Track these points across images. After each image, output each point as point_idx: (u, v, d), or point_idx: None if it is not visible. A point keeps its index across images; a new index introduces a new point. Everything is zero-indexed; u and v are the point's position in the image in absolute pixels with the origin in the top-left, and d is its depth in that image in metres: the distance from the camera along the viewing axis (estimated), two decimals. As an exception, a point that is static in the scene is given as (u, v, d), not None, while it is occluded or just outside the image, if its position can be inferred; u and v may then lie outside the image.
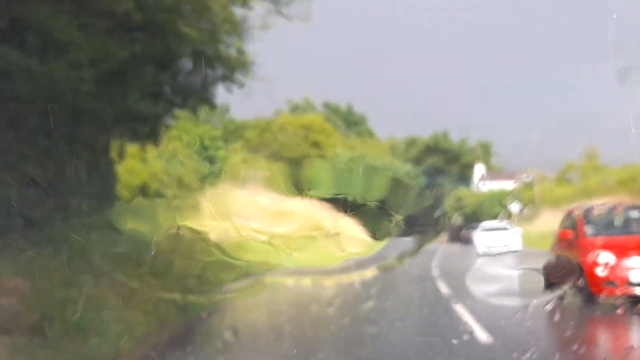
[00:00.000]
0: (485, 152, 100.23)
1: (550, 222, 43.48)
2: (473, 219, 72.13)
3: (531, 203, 56.63)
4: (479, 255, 32.61)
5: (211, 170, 34.61)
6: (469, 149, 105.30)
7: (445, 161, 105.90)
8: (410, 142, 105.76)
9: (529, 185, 63.08)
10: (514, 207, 52.82)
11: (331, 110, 70.35)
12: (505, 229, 34.28)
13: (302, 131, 40.75)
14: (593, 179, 45.37)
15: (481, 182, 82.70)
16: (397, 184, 47.91)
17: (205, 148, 37.11)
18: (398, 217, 17.96)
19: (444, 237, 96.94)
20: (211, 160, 37.01)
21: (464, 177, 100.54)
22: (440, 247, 55.88)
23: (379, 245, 44.88)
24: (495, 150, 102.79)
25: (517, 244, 32.77)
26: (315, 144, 40.63)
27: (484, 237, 32.81)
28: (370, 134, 61.85)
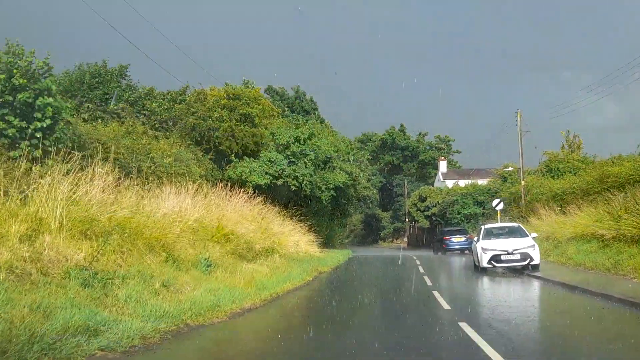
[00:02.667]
0: (446, 148, 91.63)
1: (548, 221, 34.24)
2: (441, 220, 62.74)
3: (516, 199, 47.49)
4: (479, 271, 22.40)
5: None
6: (428, 145, 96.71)
7: (402, 159, 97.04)
8: (365, 139, 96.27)
9: (511, 180, 53.69)
10: (497, 204, 43.29)
11: (276, 95, 59.35)
12: (519, 233, 24.10)
13: (228, 103, 29.69)
14: (590, 173, 36.56)
15: (444, 179, 73.58)
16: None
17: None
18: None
19: (401, 241, 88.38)
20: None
21: (424, 176, 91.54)
22: (406, 254, 46.51)
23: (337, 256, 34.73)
24: (455, 148, 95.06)
25: (536, 256, 22.65)
26: (246, 118, 29.69)
27: (489, 245, 22.43)
28: (322, 121, 51.13)
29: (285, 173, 29.68)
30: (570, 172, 46.71)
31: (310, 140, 31.01)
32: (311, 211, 32.94)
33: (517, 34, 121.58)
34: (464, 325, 9.68)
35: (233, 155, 29.61)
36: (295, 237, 26.25)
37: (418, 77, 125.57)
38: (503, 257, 21.97)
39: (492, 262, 21.89)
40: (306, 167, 30.23)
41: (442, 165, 76.53)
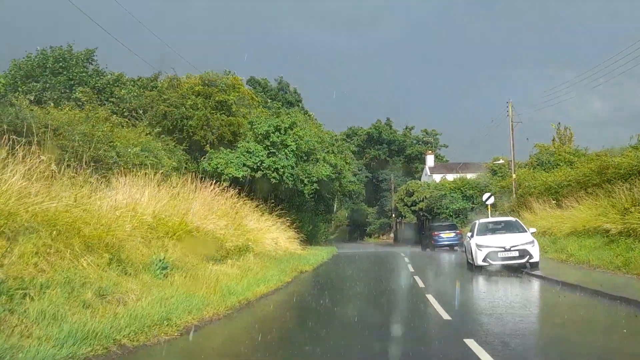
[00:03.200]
0: (433, 142, 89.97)
1: (543, 215, 32.50)
2: (429, 216, 60.92)
3: (507, 193, 45.87)
4: (474, 269, 20.50)
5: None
6: (414, 140, 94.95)
7: (389, 153, 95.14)
8: (351, 133, 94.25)
9: (501, 174, 51.99)
10: (487, 198, 41.62)
11: (259, 86, 57.05)
12: (516, 228, 22.14)
13: (203, 89, 27.49)
14: (587, 164, 35.18)
15: (431, 173, 71.83)
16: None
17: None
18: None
19: (387, 237, 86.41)
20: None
21: (410, 171, 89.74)
22: (393, 251, 44.61)
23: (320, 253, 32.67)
24: (442, 142, 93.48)
25: (536, 253, 20.73)
26: (223, 106, 27.52)
27: (484, 241, 20.57)
28: (306, 113, 49.01)
29: (264, 165, 27.58)
30: (562, 165, 45.31)
31: (292, 130, 28.89)
32: (293, 206, 30.87)
33: (503, 29, 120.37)
34: (471, 344, 7.70)
35: (208, 145, 27.46)
36: (275, 234, 24.18)
37: (403, 72, 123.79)
38: (500, 255, 20.11)
39: (488, 259, 20.01)
40: (287, 159, 28.14)
41: (430, 159, 74.71)
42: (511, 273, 19.54)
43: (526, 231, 21.42)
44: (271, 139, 27.94)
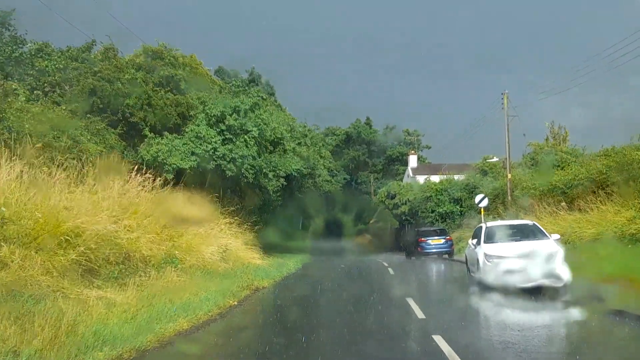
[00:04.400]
0: (416, 142, 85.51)
1: (550, 220, 27.96)
2: (412, 220, 56.05)
3: (500, 195, 41.22)
4: (481, 288, 15.49)
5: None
6: (395, 140, 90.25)
7: (368, 154, 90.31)
8: (329, 132, 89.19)
9: (493, 174, 47.31)
10: (481, 200, 36.99)
11: (228, 77, 51.54)
12: (536, 234, 17.03)
13: (145, 62, 22.17)
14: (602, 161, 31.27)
15: (414, 175, 67.14)
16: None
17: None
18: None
19: (362, 241, 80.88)
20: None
21: (391, 173, 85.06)
22: (373, 259, 39.47)
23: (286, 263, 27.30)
24: (424, 143, 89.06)
25: (564, 270, 15.54)
26: (169, 83, 22.28)
27: (496, 251, 15.57)
28: (279, 106, 43.81)
29: (218, 154, 22.29)
30: (557, 165, 41.03)
31: (254, 112, 23.63)
32: (255, 205, 25.58)
33: (485, 35, 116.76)
34: None
35: (147, 129, 22.10)
36: (225, 240, 18.90)
37: (382, 73, 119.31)
38: (518, 270, 15.18)
39: (505, 274, 15.07)
40: (247, 147, 22.88)
41: (412, 160, 69.86)
42: (537, 298, 14.45)
43: (549, 237, 16.58)
44: (227, 122, 22.64)
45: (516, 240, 16.61)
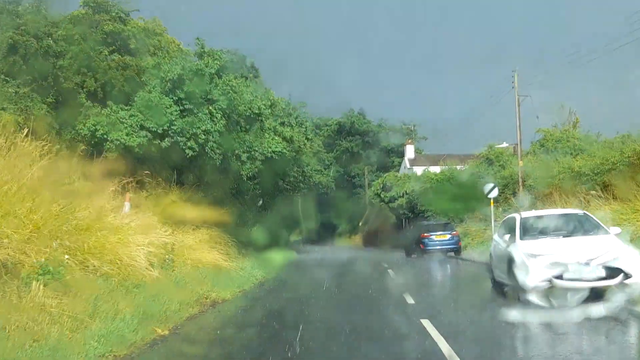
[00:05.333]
0: (413, 131, 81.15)
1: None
2: (409, 214, 51.60)
3: (510, 185, 37.01)
4: (518, 298, 11.10)
5: None
6: (390, 130, 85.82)
7: (362, 145, 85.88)
8: (321, 123, 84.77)
9: (500, 163, 42.87)
10: (490, 190, 32.81)
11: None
12: (589, 226, 12.73)
13: (85, 15, 17.56)
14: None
15: (411, 166, 62.85)
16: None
17: None
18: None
19: (355, 239, 75.96)
20: None
21: (386, 165, 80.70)
22: (369, 257, 34.95)
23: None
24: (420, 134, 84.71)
25: (635, 267, 11.37)
26: (116, 41, 17.71)
27: (541, 248, 10.94)
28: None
29: (175, 128, 17.68)
30: (570, 153, 37.00)
31: (220, 78, 18.96)
32: (224, 194, 20.93)
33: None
34: None
35: (84, 97, 17.46)
36: (170, 238, 14.29)
37: (377, 64, 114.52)
38: (572, 273, 10.87)
39: (553, 280, 10.71)
40: (213, 121, 18.27)
41: (409, 150, 65.41)
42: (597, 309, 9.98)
43: (607, 232, 12.24)
44: (187, 89, 17.98)
45: (566, 236, 12.17)
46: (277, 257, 23.62)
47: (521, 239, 12.30)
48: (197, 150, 17.98)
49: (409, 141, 67.60)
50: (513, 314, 9.94)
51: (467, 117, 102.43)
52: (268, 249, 28.56)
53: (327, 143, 76.64)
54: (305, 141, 26.54)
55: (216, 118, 18.32)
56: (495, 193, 32.72)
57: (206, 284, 13.18)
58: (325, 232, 79.32)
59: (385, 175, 57.74)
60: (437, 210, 44.18)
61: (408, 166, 63.25)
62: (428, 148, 79.09)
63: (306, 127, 26.90)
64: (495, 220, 32.84)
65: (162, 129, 17.44)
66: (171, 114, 17.70)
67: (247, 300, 13.27)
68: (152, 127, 17.36)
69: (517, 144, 36.38)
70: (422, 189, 45.92)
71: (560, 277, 10.70)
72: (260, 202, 25.67)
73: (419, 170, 58.20)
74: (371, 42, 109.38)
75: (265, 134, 22.69)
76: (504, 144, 40.07)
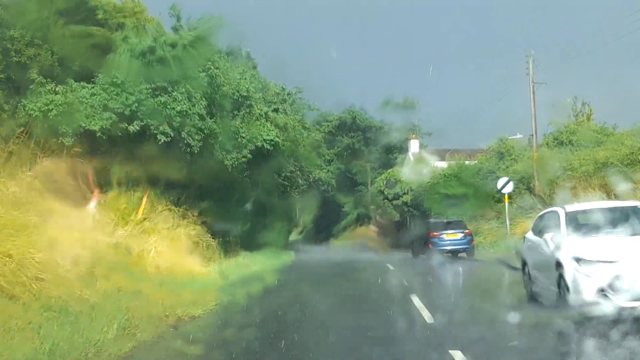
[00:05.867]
0: (418, 125, 78.57)
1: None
2: (414, 211, 48.81)
3: (525, 179, 34.41)
4: (564, 309, 8.46)
5: None
6: (393, 126, 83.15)
7: (364, 141, 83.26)
8: (321, 119, 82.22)
9: (511, 157, 40.07)
10: (504, 185, 30.40)
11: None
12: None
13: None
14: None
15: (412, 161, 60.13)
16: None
17: None
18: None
19: (369, 229, 72.36)
20: None
21: (389, 163, 78.13)
22: (372, 259, 32.08)
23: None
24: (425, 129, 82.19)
25: None
26: (79, 10, 14.99)
27: (594, 250, 8.03)
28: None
29: (144, 109, 14.94)
30: (586, 146, 34.54)
31: (196, 49, 16.11)
32: (207, 188, 18.06)
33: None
34: None
35: (36, 72, 14.70)
36: (145, 239, 11.59)
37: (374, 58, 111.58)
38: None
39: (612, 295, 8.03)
40: (191, 102, 15.51)
41: (414, 145, 62.59)
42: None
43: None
44: (157, 55, 15.15)
45: (631, 234, 9.46)
46: (270, 261, 20.84)
47: (570, 239, 9.59)
48: (172, 136, 15.22)
49: (413, 136, 64.91)
50: (578, 343, 7.23)
51: (472, 111, 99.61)
52: (262, 249, 25.87)
53: (328, 139, 74.03)
54: (302, 130, 23.81)
55: (195, 98, 15.57)
56: (510, 188, 30.14)
57: (173, 297, 10.46)
58: (327, 231, 76.73)
59: (389, 171, 55.06)
60: (444, 207, 41.52)
61: (412, 162, 60.74)
62: (432, 144, 76.56)
63: (303, 115, 24.15)
64: (510, 218, 30.19)
65: (130, 111, 14.69)
66: (140, 92, 14.94)
67: (222, 317, 10.51)
68: (117, 108, 14.61)
69: (532, 135, 33.60)
70: (428, 185, 43.13)
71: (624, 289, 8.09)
72: (252, 199, 22.94)
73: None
74: (370, 39, 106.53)
75: (256, 121, 19.95)
76: (518, 135, 37.23)
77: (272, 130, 20.32)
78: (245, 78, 18.32)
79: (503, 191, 29.74)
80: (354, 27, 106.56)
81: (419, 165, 54.08)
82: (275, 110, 21.76)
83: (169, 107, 15.04)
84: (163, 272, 12.37)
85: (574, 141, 37.19)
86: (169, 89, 15.27)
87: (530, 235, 12.25)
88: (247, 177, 20.84)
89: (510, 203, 30.32)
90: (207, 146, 16.37)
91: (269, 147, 20.13)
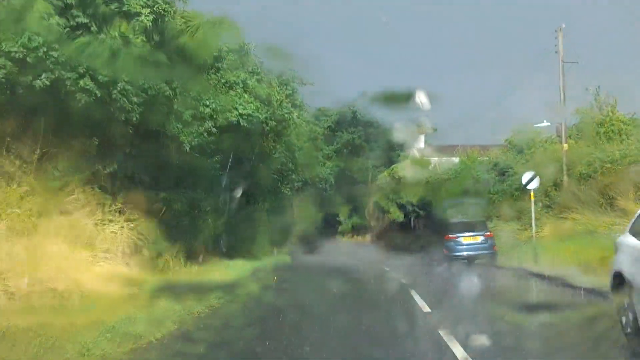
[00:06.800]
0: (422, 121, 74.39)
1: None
2: (420, 211, 44.22)
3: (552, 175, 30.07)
4: None
5: None
6: (395, 124, 79.01)
7: (365, 137, 79.45)
8: (320, 114, 78.20)
9: (531, 151, 35.48)
10: (530, 180, 26.02)
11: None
12: None
13: None
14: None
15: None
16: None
17: None
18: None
19: (363, 236, 67.23)
20: None
21: (391, 160, 74.06)
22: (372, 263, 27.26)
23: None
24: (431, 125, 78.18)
25: None
26: None
27: None
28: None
29: (56, 55, 10.44)
30: (616, 137, 30.65)
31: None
32: (156, 177, 13.34)
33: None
34: None
35: None
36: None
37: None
38: None
39: None
40: (125, 46, 10.98)
41: (419, 141, 58.53)
42: None
43: None
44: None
45: None
46: (244, 269, 16.22)
47: None
48: (98, 95, 10.73)
49: (420, 129, 60.78)
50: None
51: (486, 104, 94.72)
52: (247, 254, 21.37)
53: (327, 135, 70.10)
54: (292, 109, 19.32)
55: (131, 40, 11.08)
56: (536, 184, 25.65)
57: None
58: (326, 232, 72.40)
59: (392, 167, 50.90)
60: (455, 206, 36.97)
61: (418, 157, 56.76)
62: (437, 140, 72.67)
63: (293, 90, 19.60)
64: (536, 219, 25.74)
65: (35, 55, 10.21)
66: (54, 28, 10.46)
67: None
68: (15, 53, 10.15)
69: (561, 124, 29.07)
70: (438, 181, 38.62)
71: None
72: (229, 192, 18.40)
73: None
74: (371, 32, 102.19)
75: (229, 90, 15.46)
76: (545, 123, 32.65)
77: (252, 102, 15.88)
78: (216, 29, 13.81)
79: (528, 187, 25.24)
80: (359, 18, 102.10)
81: (425, 161, 50.02)
82: (258, 80, 17.30)
83: (91, 49, 10.55)
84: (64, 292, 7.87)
85: (601, 133, 32.81)
86: (91, 27, 10.79)
87: (629, 239, 7.75)
88: (218, 162, 16.34)
89: (537, 203, 25.90)
90: (154, 114, 11.88)
91: (246, 124, 15.66)
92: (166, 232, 13.16)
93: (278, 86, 18.66)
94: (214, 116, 13.69)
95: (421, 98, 47.08)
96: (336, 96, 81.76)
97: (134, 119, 11.24)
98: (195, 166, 14.76)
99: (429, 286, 15.18)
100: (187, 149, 13.09)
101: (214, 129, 13.83)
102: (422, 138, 58.61)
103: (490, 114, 79.18)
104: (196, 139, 13.33)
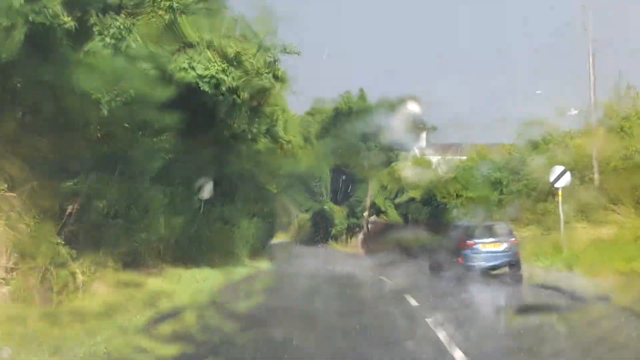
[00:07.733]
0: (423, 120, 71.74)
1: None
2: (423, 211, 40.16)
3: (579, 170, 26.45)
4: None
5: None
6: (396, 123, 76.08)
7: (362, 136, 76.58)
8: (315, 112, 75.09)
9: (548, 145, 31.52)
10: (561, 176, 22.28)
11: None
12: None
13: None
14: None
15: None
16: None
17: None
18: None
19: (352, 244, 62.90)
20: None
21: (391, 160, 70.96)
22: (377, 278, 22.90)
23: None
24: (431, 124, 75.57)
25: None
26: None
27: None
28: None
29: None
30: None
31: None
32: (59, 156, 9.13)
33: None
34: None
35: None
36: None
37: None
38: None
39: None
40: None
41: (421, 139, 56.15)
42: None
43: None
44: None
45: None
46: (213, 281, 11.98)
47: None
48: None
49: (421, 126, 57.73)
50: None
51: (493, 99, 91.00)
52: (217, 263, 17.37)
53: (322, 134, 66.86)
54: (273, 80, 15.23)
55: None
56: (567, 180, 21.75)
57: None
58: (317, 233, 68.88)
59: (392, 164, 47.73)
60: (463, 206, 33.02)
61: (419, 156, 53.76)
62: (438, 138, 69.81)
63: (274, 57, 15.48)
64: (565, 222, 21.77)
65: None
66: None
67: None
68: None
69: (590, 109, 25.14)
70: (442, 180, 34.67)
71: None
72: (180, 178, 14.25)
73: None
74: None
75: (188, 49, 11.41)
76: (573, 112, 28.72)
77: (216, 63, 11.87)
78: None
79: (557, 185, 21.29)
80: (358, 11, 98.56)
81: (427, 159, 46.58)
82: (227, 37, 13.23)
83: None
84: None
85: (625, 128, 29.11)
86: None
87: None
88: (167, 142, 12.21)
89: (567, 203, 22.03)
90: (54, 64, 7.71)
91: (208, 89, 11.66)
92: (82, 236, 9.10)
93: (257, 50, 14.61)
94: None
95: (412, 106, 43.04)
96: (336, 96, 78.05)
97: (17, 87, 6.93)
98: (132, 144, 10.55)
99: (456, 316, 10.92)
100: (105, 112, 8.75)
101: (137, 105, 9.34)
102: (423, 136, 56.04)
103: (501, 110, 75.23)
104: (108, 104, 8.72)
